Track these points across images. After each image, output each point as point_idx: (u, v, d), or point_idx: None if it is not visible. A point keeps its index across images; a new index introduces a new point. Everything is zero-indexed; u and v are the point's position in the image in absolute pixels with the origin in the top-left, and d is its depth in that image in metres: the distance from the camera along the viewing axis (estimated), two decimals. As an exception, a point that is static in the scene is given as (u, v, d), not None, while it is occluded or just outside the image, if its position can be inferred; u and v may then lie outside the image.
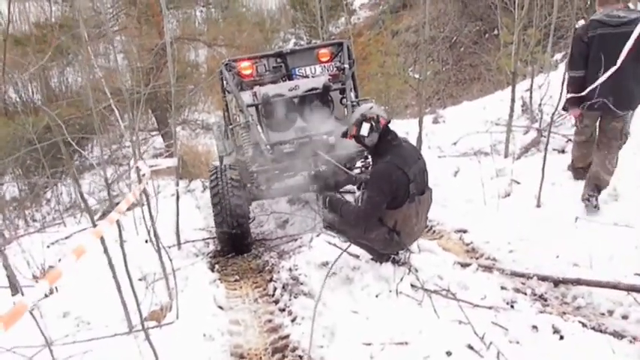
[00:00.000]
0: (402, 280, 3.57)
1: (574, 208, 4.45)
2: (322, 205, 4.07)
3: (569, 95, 4.51)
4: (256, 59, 6.18)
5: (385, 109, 3.75)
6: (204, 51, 17.74)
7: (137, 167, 4.26)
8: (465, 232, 4.89)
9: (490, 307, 3.24)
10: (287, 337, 3.42)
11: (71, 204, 10.67)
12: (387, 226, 3.66)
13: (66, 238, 6.72)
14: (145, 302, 3.57)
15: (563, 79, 4.63)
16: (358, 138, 3.74)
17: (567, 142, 5.91)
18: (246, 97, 5.68)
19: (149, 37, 13.91)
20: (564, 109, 4.77)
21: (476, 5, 17.97)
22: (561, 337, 2.88)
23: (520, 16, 6.82)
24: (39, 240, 6.07)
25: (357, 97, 5.99)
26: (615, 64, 3.81)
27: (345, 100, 5.73)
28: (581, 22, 6.79)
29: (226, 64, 5.95)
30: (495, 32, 15.12)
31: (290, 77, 6.17)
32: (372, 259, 3.98)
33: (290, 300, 3.86)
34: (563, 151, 5.92)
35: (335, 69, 6.12)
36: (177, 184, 5.77)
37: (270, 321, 3.77)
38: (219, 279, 4.74)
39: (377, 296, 3.57)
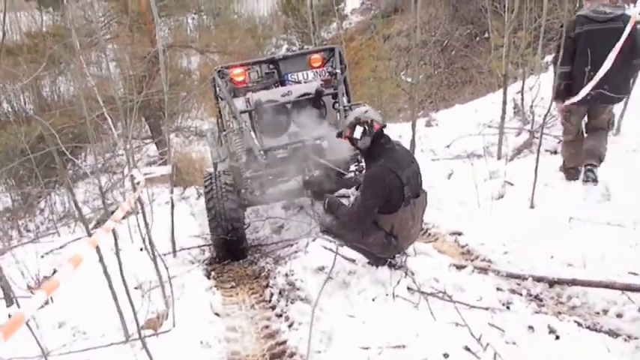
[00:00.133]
0: (398, 283, 3.58)
1: (567, 208, 4.47)
2: (323, 207, 4.09)
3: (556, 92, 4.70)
4: (249, 66, 6.20)
5: (379, 113, 3.79)
6: (196, 58, 17.76)
7: (131, 175, 4.25)
8: (459, 234, 4.90)
9: (486, 309, 3.25)
10: (284, 342, 3.42)
11: (65, 213, 10.62)
12: (385, 230, 3.68)
13: (60, 247, 6.67)
14: (141, 311, 3.55)
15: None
16: (352, 140, 3.77)
17: (559, 143, 5.95)
18: (239, 103, 5.70)
19: (141, 44, 13.91)
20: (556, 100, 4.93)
21: (466, 9, 18.13)
22: (557, 337, 2.89)
23: (510, 19, 6.89)
24: (33, 250, 6.02)
25: (349, 101, 6.02)
26: (601, 59, 4.00)
27: (337, 104, 5.76)
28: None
29: (219, 71, 5.96)
30: (486, 35, 15.25)
31: (282, 83, 6.19)
32: (368, 262, 3.98)
33: (287, 305, 3.85)
34: (555, 152, 5.96)
35: (327, 74, 6.15)
36: (172, 192, 5.75)
37: (267, 327, 3.77)
38: (216, 286, 4.73)
39: (374, 300, 3.57)
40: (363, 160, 5.03)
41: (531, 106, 7.21)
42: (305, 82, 6.05)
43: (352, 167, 5.94)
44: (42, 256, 6.09)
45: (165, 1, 15.31)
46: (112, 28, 15.16)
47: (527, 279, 3.72)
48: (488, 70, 12.67)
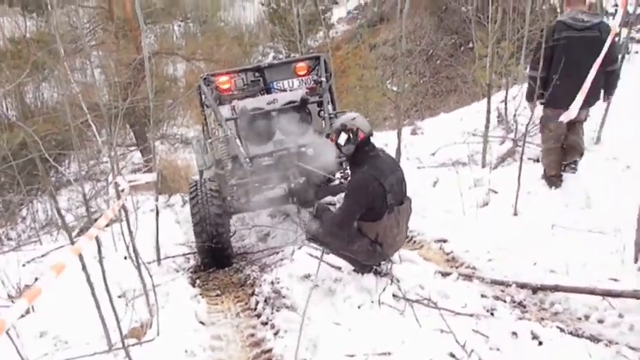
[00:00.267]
0: (384, 290, 3.60)
1: (550, 215, 4.54)
2: (312, 212, 4.10)
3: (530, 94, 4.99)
4: (234, 73, 6.21)
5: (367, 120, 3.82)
6: (182, 65, 17.74)
7: (116, 183, 4.21)
8: (444, 241, 4.94)
9: (471, 315, 3.27)
10: (270, 350, 3.40)
11: (47, 221, 10.45)
12: (369, 238, 3.70)
13: (42, 256, 6.56)
14: (124, 319, 3.51)
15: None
16: (336, 145, 3.81)
17: (542, 151, 6.04)
18: (225, 111, 5.70)
19: (127, 51, 13.87)
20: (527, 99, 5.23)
21: (451, 19, 18.37)
22: (540, 343, 2.92)
23: (494, 30, 7.01)
24: (14, 259, 5.92)
25: (334, 109, 6.06)
26: (576, 66, 4.17)
27: (322, 112, 5.78)
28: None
29: (204, 79, 5.96)
30: (470, 45, 15.45)
31: (268, 91, 6.21)
32: (354, 270, 3.99)
33: (272, 313, 3.83)
34: (537, 160, 6.04)
35: (312, 82, 6.18)
36: (157, 199, 5.71)
37: (252, 335, 3.74)
38: (201, 294, 4.68)
39: (359, 307, 3.58)
40: (348, 167, 5.07)
41: (514, 115, 7.32)
42: (290, 90, 6.07)
43: (337, 175, 5.96)
44: (23, 265, 5.98)
45: (152, 8, 15.28)
46: (97, 35, 15.08)
47: (510, 285, 3.75)
48: (473, 80, 12.83)
